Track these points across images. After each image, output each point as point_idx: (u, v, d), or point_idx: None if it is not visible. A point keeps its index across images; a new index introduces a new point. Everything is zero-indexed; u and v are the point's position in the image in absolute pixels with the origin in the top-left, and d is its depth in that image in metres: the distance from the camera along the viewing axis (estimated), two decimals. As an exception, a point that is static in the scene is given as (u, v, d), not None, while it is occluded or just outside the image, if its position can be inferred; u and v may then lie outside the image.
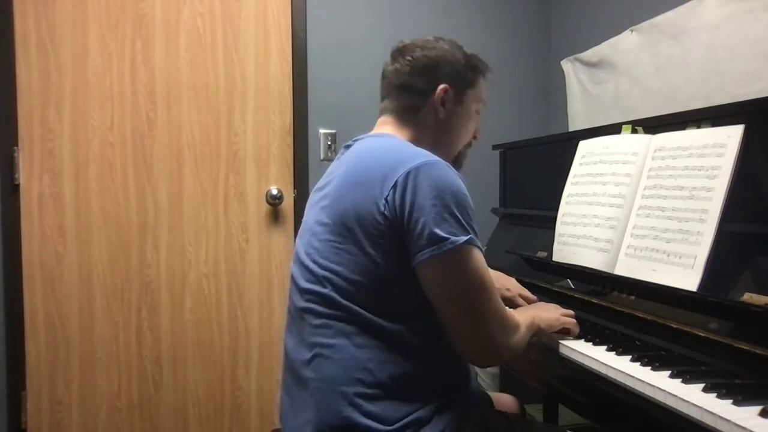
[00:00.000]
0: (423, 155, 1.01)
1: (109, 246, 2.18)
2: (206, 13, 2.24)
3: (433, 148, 1.13)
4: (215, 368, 2.29)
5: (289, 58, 2.32)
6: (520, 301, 1.40)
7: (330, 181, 1.09)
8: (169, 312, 2.24)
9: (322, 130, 2.35)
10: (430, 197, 0.95)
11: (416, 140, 1.14)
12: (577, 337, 1.21)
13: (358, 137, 1.16)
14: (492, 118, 2.58)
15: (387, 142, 1.09)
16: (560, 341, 1.19)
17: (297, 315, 1.08)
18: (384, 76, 1.21)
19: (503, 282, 1.43)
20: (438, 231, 0.94)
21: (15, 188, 2.09)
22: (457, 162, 1.25)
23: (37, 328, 2.12)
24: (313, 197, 1.15)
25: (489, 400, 1.26)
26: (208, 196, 2.27)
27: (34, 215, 2.11)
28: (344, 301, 0.99)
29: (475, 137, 1.28)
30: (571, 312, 1.23)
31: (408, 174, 0.97)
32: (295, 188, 2.34)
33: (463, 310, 0.97)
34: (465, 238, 0.95)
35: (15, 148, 2.08)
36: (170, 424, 2.25)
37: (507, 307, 1.05)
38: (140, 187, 2.20)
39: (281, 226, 2.34)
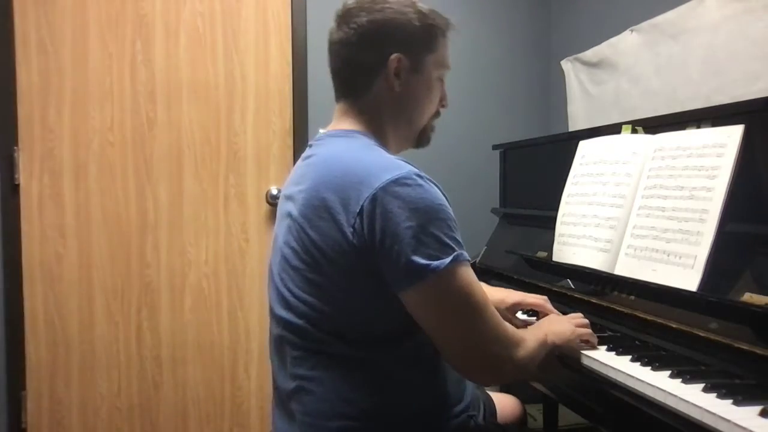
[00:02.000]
0: (386, 168, 0.90)
1: (109, 246, 2.18)
2: (206, 13, 2.24)
3: (395, 128, 1.07)
4: (215, 368, 2.29)
5: (289, 58, 2.32)
6: (531, 299, 1.32)
7: (294, 194, 1.01)
8: (169, 312, 2.24)
9: (322, 130, 2.34)
10: (402, 221, 0.86)
11: (375, 123, 1.05)
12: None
13: (319, 136, 1.08)
14: (492, 118, 2.59)
15: (346, 152, 0.99)
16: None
17: (276, 340, 1.04)
18: (329, 46, 1.09)
19: (502, 295, 1.33)
20: (416, 258, 0.86)
21: (15, 188, 2.09)
22: (423, 137, 1.14)
23: (37, 328, 2.12)
24: (282, 207, 1.07)
25: (491, 405, 1.26)
26: (208, 197, 2.27)
27: (34, 215, 2.11)
28: (320, 334, 0.94)
29: (442, 105, 1.14)
30: (585, 320, 1.16)
31: (374, 198, 0.87)
32: (295, 188, 2.34)
33: (457, 331, 0.91)
34: (448, 259, 0.87)
35: (15, 148, 2.08)
36: (170, 424, 2.25)
37: (509, 323, 0.97)
38: (140, 187, 2.20)
39: (281, 226, 2.34)
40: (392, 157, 0.96)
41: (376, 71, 1.03)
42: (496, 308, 0.97)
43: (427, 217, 0.88)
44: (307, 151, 1.09)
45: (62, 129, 2.13)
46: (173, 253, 2.23)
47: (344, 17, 1.05)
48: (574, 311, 1.27)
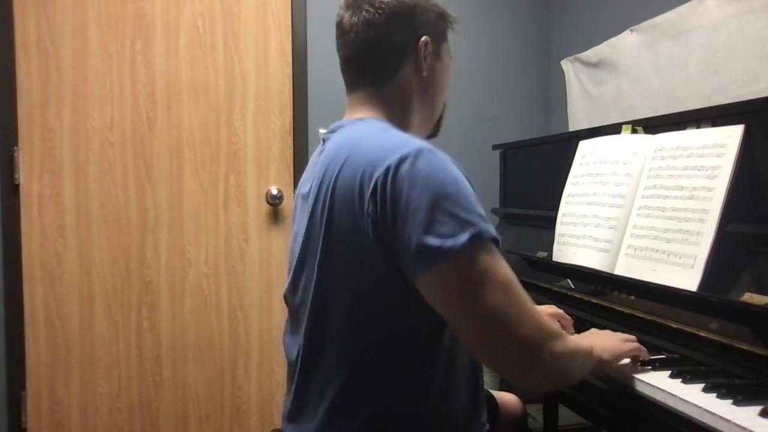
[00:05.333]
0: (399, 147, 0.84)
1: (109, 246, 2.18)
2: (206, 13, 2.24)
3: (420, 113, 1.04)
4: (215, 368, 2.29)
5: (289, 58, 2.32)
6: (549, 310, 1.27)
7: (309, 190, 0.96)
8: (169, 312, 2.24)
9: (322, 130, 2.34)
10: (412, 199, 0.79)
11: (400, 109, 1.01)
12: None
13: (334, 127, 1.02)
14: (492, 118, 2.59)
15: (360, 136, 0.92)
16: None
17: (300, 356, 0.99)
18: (344, 32, 1.00)
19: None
20: (427, 240, 0.77)
21: (15, 188, 2.09)
22: (438, 126, 1.11)
23: (37, 328, 2.12)
24: (301, 207, 1.02)
25: (494, 402, 1.25)
26: (208, 196, 2.27)
27: (34, 215, 2.11)
28: (338, 347, 0.91)
29: None
30: (632, 336, 1.07)
31: (384, 178, 0.81)
32: (295, 188, 2.34)
33: (481, 318, 0.79)
34: (466, 236, 0.77)
35: (15, 148, 2.08)
36: (170, 424, 2.25)
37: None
38: (140, 187, 2.20)
39: (281, 226, 2.34)
40: (407, 135, 0.89)
41: (405, 53, 1.00)
42: None
43: (441, 191, 0.80)
44: (320, 147, 1.03)
45: (62, 129, 2.13)
46: (173, 253, 2.23)
47: (360, 0, 0.99)
48: (576, 311, 1.27)
